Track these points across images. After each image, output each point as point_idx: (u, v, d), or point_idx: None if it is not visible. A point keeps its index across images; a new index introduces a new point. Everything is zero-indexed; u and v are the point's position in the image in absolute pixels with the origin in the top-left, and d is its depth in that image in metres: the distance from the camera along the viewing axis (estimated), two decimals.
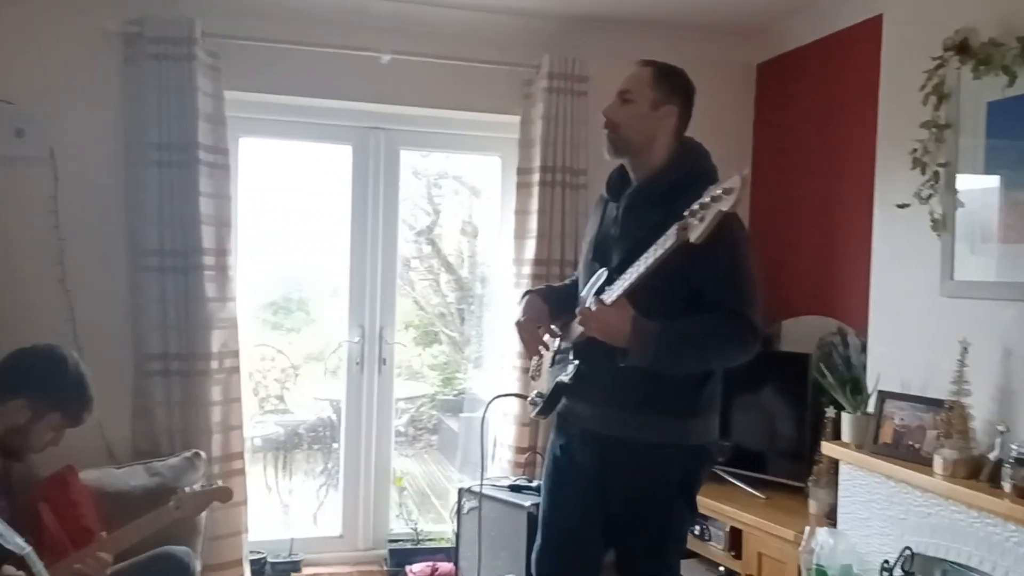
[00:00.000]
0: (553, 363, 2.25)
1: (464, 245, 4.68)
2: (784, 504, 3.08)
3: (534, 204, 3.56)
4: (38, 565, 1.78)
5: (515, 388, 3.51)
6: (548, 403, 2.22)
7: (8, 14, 3.09)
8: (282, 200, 3.95)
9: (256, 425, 4.39)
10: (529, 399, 2.33)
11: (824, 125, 3.50)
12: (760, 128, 3.94)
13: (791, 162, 3.71)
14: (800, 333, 3.47)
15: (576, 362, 2.10)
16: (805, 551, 2.68)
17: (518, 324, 2.29)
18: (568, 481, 2.21)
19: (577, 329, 2.08)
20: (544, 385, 2.25)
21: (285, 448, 4.46)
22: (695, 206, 1.79)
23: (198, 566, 2.67)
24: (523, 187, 3.62)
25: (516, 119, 3.63)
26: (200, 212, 3.17)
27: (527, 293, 2.37)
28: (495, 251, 3.98)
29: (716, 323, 1.95)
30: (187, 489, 2.47)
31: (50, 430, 1.96)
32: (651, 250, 1.89)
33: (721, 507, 3.08)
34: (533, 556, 2.30)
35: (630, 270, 1.94)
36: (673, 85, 2.13)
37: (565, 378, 2.12)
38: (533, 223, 3.56)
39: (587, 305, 2.00)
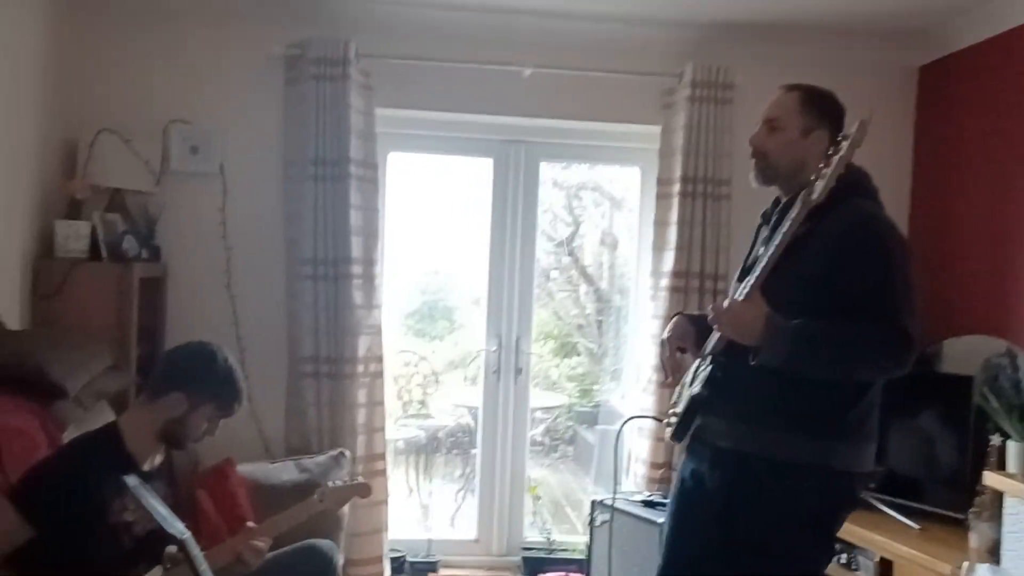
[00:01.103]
0: (691, 383, 2.20)
1: (603, 256, 4.68)
2: (940, 536, 2.86)
3: (674, 215, 3.50)
4: (196, 550, 1.90)
5: (652, 403, 3.47)
6: (683, 421, 2.15)
7: (189, 43, 3.40)
8: (427, 211, 4.10)
9: (399, 428, 4.55)
10: (665, 420, 2.28)
11: (992, 131, 3.24)
12: (921, 134, 3.70)
13: (955, 170, 3.46)
14: (964, 353, 3.21)
15: (710, 367, 2.03)
16: None
17: (661, 342, 2.25)
18: (694, 508, 2.13)
19: (714, 338, 2.03)
20: (681, 405, 2.20)
21: (426, 451, 4.61)
22: (820, 165, 1.80)
23: (341, 559, 2.81)
24: (663, 198, 3.57)
25: (657, 129, 3.59)
26: (350, 223, 3.34)
27: (676, 314, 2.32)
28: (634, 263, 3.95)
29: (863, 326, 1.83)
30: (330, 484, 2.60)
31: (205, 420, 2.12)
32: (780, 230, 1.86)
33: (871, 536, 2.90)
34: None
35: (762, 256, 1.90)
36: (822, 109, 2.03)
37: (698, 387, 2.06)
38: (672, 235, 3.50)
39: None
